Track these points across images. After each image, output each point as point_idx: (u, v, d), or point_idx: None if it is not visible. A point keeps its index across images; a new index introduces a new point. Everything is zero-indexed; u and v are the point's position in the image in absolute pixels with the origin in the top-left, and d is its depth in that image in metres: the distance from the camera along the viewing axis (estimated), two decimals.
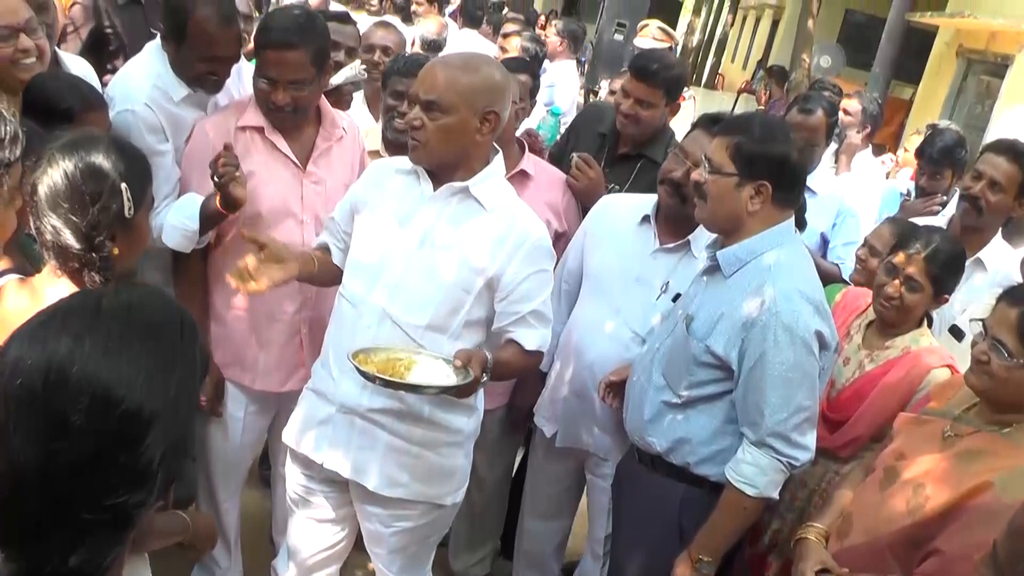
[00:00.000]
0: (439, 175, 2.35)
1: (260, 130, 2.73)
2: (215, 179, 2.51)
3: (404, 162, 2.42)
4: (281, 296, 2.78)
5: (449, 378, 2.21)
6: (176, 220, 2.66)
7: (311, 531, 2.59)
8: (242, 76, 3.17)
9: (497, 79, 2.34)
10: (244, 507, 3.19)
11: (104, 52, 4.35)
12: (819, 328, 2.29)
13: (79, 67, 3.08)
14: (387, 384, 2.18)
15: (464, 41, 6.77)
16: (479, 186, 2.34)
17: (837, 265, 3.58)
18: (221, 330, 2.83)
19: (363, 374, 2.18)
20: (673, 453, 2.45)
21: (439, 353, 2.29)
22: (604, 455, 2.89)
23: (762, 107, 13.99)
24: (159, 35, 2.86)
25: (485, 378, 2.25)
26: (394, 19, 6.88)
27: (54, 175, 1.75)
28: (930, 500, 2.07)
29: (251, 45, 3.85)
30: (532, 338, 2.41)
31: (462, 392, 2.25)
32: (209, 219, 2.64)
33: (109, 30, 4.16)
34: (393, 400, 2.35)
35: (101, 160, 1.78)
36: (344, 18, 4.05)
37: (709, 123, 2.71)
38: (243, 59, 3.16)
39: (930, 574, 2.00)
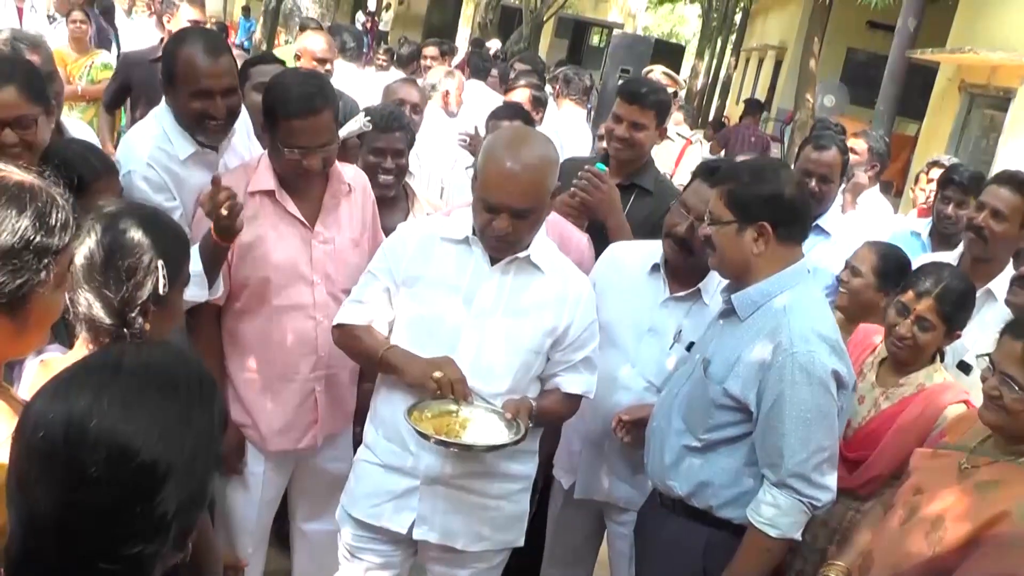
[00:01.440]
0: None
1: (270, 193, 2.73)
2: (218, 217, 2.46)
3: (448, 229, 2.45)
4: (296, 357, 2.80)
5: (502, 434, 2.27)
6: None
7: None
8: (251, 136, 3.21)
9: (554, 155, 2.40)
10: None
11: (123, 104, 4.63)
12: (836, 367, 2.31)
13: (82, 133, 3.13)
14: (442, 443, 2.24)
15: (471, 92, 6.86)
16: (537, 252, 2.41)
17: None
18: (236, 392, 2.83)
19: (421, 435, 2.23)
20: (695, 497, 2.46)
21: (488, 405, 2.33)
22: (624, 505, 2.89)
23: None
24: (163, 92, 2.86)
25: (530, 426, 2.32)
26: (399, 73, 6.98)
27: (91, 247, 1.75)
28: (949, 532, 2.09)
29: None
30: (578, 383, 2.50)
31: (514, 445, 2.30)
32: (211, 256, 2.57)
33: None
34: (474, 463, 2.40)
35: (140, 236, 1.77)
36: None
37: (707, 172, 2.76)
38: (249, 117, 3.19)
39: None
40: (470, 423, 2.29)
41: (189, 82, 2.72)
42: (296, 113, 2.59)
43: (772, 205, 2.37)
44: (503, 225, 2.28)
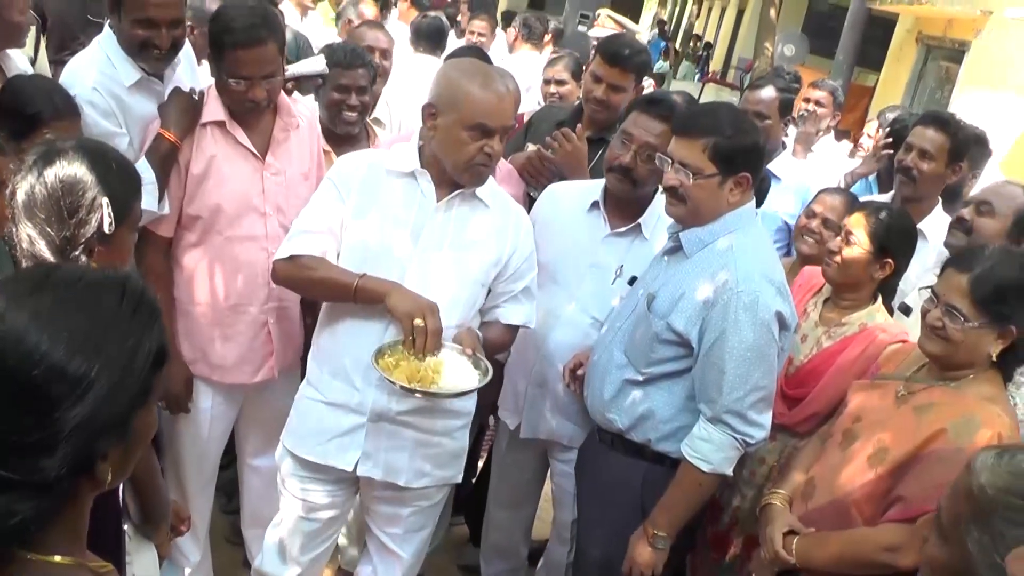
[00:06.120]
0: (445, 180, 2.37)
1: (221, 124, 2.71)
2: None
3: (394, 162, 2.41)
4: (249, 288, 2.78)
5: (472, 374, 2.29)
6: None
7: (315, 530, 2.59)
8: (195, 68, 3.15)
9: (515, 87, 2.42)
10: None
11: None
12: (779, 309, 2.33)
13: (23, 66, 3.03)
14: (426, 395, 2.23)
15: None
16: (483, 187, 2.41)
17: None
18: (187, 326, 2.81)
19: (398, 385, 2.21)
20: (635, 430, 2.49)
21: (449, 344, 2.31)
22: (568, 443, 2.90)
23: None
24: (108, 14, 2.80)
25: (489, 370, 2.32)
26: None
27: (33, 183, 1.70)
28: (890, 453, 2.15)
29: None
30: (519, 313, 2.52)
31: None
32: (162, 159, 2.61)
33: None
34: (419, 399, 2.38)
35: (84, 172, 1.73)
36: None
37: (647, 104, 2.74)
38: (193, 54, 3.13)
39: (896, 519, 2.09)
40: (443, 367, 2.27)
41: (135, 9, 2.67)
42: (240, 43, 2.58)
43: (753, 156, 2.39)
44: (499, 147, 2.31)
